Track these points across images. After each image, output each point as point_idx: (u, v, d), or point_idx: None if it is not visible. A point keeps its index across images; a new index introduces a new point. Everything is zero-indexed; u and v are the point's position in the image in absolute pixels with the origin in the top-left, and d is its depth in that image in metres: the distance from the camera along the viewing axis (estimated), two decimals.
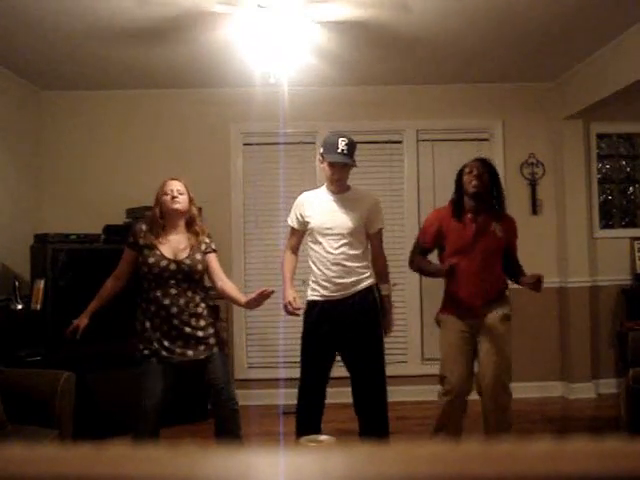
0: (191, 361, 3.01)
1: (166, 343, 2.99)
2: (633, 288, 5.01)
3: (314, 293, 3.25)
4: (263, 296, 2.94)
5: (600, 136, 5.22)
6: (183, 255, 2.99)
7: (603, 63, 4.27)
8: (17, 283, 4.14)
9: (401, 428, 3.94)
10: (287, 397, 4.28)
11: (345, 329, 3.20)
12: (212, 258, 3.11)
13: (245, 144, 5.07)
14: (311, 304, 3.26)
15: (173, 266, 2.96)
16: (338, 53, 4.12)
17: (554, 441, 0.42)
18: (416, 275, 5.01)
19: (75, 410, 3.12)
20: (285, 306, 3.25)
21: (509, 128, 5.08)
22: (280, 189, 4.87)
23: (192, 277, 2.99)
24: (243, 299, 3.06)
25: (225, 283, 3.11)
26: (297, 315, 3.27)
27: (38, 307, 4.04)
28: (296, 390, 3.33)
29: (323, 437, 3.36)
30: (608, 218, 5.29)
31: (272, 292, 2.93)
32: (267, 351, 4.94)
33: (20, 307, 4.11)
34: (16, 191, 4.59)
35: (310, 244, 3.29)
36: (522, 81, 5.00)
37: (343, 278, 3.18)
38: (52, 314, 4.05)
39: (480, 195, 3.22)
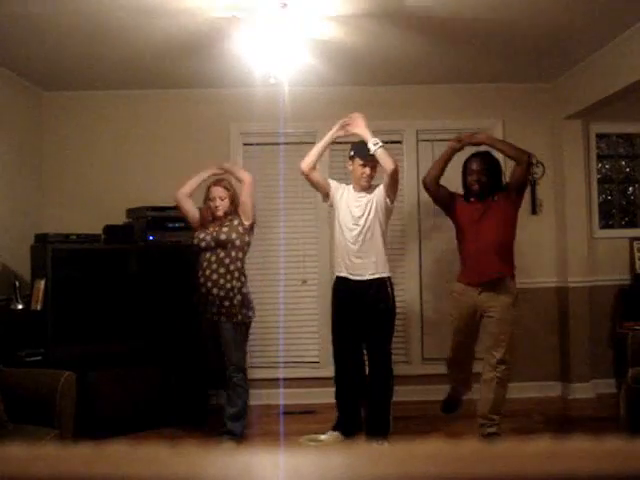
0: (216, 322, 3.70)
1: (203, 298, 3.76)
2: (632, 288, 5.01)
3: (339, 268, 3.84)
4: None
5: (600, 136, 5.22)
6: (220, 232, 3.75)
7: (603, 63, 4.27)
8: (17, 283, 4.14)
9: (401, 428, 3.94)
10: (287, 397, 4.29)
11: (363, 307, 3.72)
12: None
13: (245, 144, 5.07)
14: (339, 280, 3.84)
15: (209, 238, 3.73)
16: (338, 53, 4.12)
17: (553, 441, 0.42)
18: (416, 275, 5.02)
19: (75, 410, 3.12)
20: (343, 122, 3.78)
21: (509, 128, 5.07)
22: (280, 189, 4.87)
23: (225, 245, 3.70)
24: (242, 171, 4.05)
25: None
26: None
27: (38, 307, 4.04)
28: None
29: (323, 437, 3.37)
30: (608, 218, 5.29)
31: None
32: (267, 351, 4.94)
33: (20, 307, 4.11)
34: (17, 191, 4.59)
35: (335, 226, 3.88)
36: (522, 81, 5.00)
37: (363, 263, 3.71)
38: (52, 314, 4.05)
39: (483, 192, 3.70)
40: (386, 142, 5.12)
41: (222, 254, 3.70)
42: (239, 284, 3.72)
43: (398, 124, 5.06)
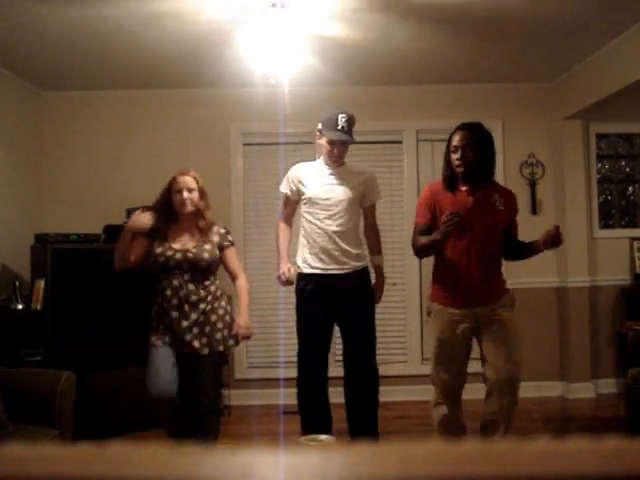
0: (185, 354, 2.94)
1: (163, 330, 2.96)
2: (633, 288, 5.01)
3: (309, 265, 3.29)
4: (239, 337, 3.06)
5: (599, 136, 5.22)
6: (190, 246, 2.98)
7: (602, 63, 4.27)
8: (17, 283, 4.14)
9: (401, 428, 3.94)
10: (287, 397, 4.28)
11: (341, 303, 3.28)
12: (228, 254, 3.09)
13: (245, 144, 5.07)
14: (306, 277, 3.30)
15: (179, 255, 2.94)
16: (338, 53, 4.12)
17: (553, 441, 0.42)
18: (416, 275, 5.02)
19: (75, 410, 3.13)
20: (279, 277, 3.32)
21: (509, 128, 5.08)
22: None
23: (197, 266, 2.95)
24: (239, 321, 3.06)
25: (238, 284, 3.12)
26: (291, 284, 3.34)
27: (38, 307, 4.04)
28: (296, 390, 3.34)
29: (323, 437, 3.36)
30: (608, 218, 5.29)
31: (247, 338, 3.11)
32: (267, 351, 4.94)
33: (20, 307, 4.11)
34: (16, 191, 4.59)
35: (305, 216, 3.32)
36: (522, 81, 5.00)
37: (341, 251, 3.25)
38: (52, 314, 4.05)
39: (470, 173, 2.93)
40: (386, 142, 5.16)
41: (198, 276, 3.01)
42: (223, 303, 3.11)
43: (398, 124, 5.06)
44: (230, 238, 3.12)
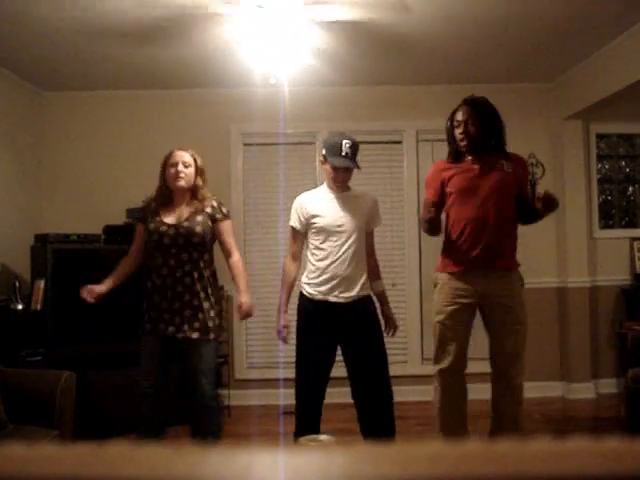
0: (179, 340, 2.92)
1: (154, 314, 2.94)
2: (633, 288, 5.01)
3: (318, 291, 3.17)
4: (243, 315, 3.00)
5: (599, 136, 5.22)
6: (182, 219, 2.92)
7: (602, 63, 4.27)
8: (17, 283, 4.14)
9: (401, 428, 3.94)
10: (287, 397, 4.28)
11: (348, 330, 3.17)
12: (222, 227, 3.00)
13: (245, 144, 5.07)
14: (312, 302, 3.18)
15: (172, 230, 2.88)
16: (338, 53, 4.12)
17: (554, 441, 0.42)
18: (416, 275, 5.02)
19: (75, 410, 3.12)
20: (278, 332, 3.20)
21: (509, 128, 5.05)
22: (280, 189, 4.87)
23: (191, 242, 2.88)
24: (241, 299, 3.01)
25: (233, 262, 3.04)
26: (286, 343, 3.25)
27: (38, 307, 4.04)
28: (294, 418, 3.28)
29: (323, 437, 3.36)
30: (608, 218, 5.29)
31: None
32: (267, 351, 4.94)
33: (20, 307, 4.11)
34: (17, 191, 4.59)
35: (315, 243, 3.19)
36: (522, 81, 5.00)
37: (352, 278, 3.14)
38: (52, 314, 4.05)
39: (474, 147, 2.96)
40: (386, 142, 5.16)
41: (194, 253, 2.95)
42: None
43: (398, 124, 5.06)
44: (224, 210, 3.02)
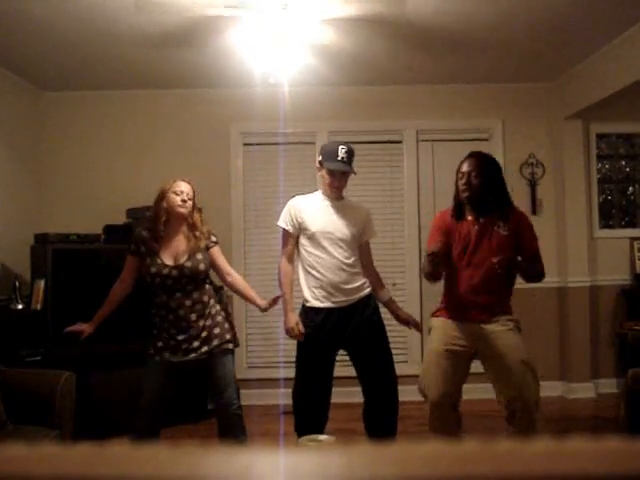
0: (194, 361, 2.98)
1: (172, 343, 2.95)
2: (633, 288, 5.01)
3: (316, 299, 3.19)
4: (275, 302, 3.06)
5: (600, 136, 5.23)
6: (184, 258, 2.92)
7: (603, 63, 4.27)
8: (17, 283, 4.14)
9: (401, 428, 3.94)
10: (287, 397, 4.28)
11: (351, 333, 3.18)
12: (215, 253, 3.06)
13: (245, 144, 5.07)
14: (313, 310, 3.20)
15: (175, 272, 2.89)
16: (338, 53, 4.12)
17: (554, 441, 0.42)
18: (416, 275, 5.02)
19: (75, 410, 3.12)
20: (287, 330, 3.21)
21: (509, 128, 5.08)
22: (280, 189, 4.87)
23: (196, 278, 2.93)
24: (261, 302, 3.06)
25: (235, 278, 3.13)
26: (301, 340, 3.21)
27: (38, 307, 4.04)
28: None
29: (323, 437, 3.36)
30: (608, 218, 5.29)
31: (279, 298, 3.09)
32: (267, 351, 4.94)
33: (20, 307, 4.11)
34: (17, 191, 4.59)
35: (308, 249, 3.21)
36: (522, 81, 5.00)
37: (349, 283, 3.17)
38: (52, 314, 4.05)
39: (474, 200, 2.96)
40: (386, 142, 5.16)
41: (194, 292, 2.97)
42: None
43: (398, 124, 5.06)
44: (214, 238, 3.07)
